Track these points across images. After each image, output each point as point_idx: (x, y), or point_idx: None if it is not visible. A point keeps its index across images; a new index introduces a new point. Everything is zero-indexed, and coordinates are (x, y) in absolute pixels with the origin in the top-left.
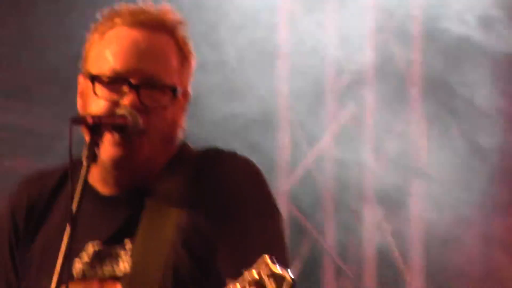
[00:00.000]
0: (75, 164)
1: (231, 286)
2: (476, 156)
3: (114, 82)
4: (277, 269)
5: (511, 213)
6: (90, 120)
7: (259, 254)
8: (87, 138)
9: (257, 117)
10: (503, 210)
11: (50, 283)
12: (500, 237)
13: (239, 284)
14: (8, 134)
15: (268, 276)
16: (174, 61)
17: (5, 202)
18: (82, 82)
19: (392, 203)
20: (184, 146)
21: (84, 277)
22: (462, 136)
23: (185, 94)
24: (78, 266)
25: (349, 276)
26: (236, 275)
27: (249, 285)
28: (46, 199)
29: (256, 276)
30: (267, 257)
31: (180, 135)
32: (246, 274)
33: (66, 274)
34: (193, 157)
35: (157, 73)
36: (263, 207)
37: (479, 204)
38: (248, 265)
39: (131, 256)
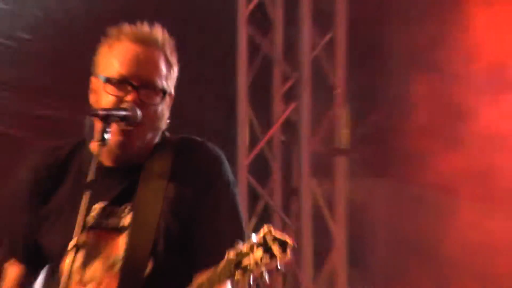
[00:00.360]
0: (83, 142)
1: (239, 247)
2: None
3: (120, 83)
4: (280, 235)
5: None
6: (102, 113)
7: (229, 214)
8: (98, 125)
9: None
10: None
11: (61, 239)
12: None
13: (246, 246)
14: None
15: (272, 240)
16: (163, 70)
17: (25, 164)
18: (94, 82)
19: (323, 173)
20: (164, 134)
21: (93, 228)
22: None
23: (170, 95)
24: (89, 220)
25: (292, 227)
26: (214, 235)
27: (256, 246)
28: (59, 168)
29: (262, 240)
30: (270, 226)
31: (165, 126)
32: (251, 239)
33: (83, 226)
34: (173, 143)
35: (152, 78)
36: (227, 180)
37: None
38: (222, 223)
39: (132, 214)
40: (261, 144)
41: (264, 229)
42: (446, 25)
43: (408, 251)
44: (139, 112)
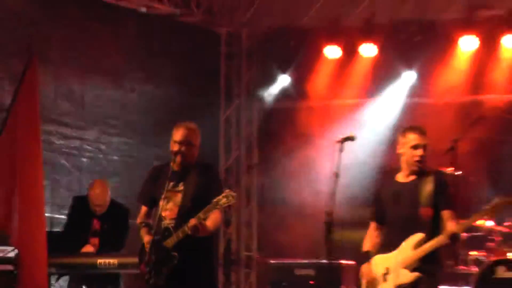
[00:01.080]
0: (168, 162)
1: (218, 198)
2: None
3: (175, 142)
4: (230, 191)
5: None
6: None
7: (216, 188)
8: (173, 155)
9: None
10: None
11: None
12: None
13: (220, 197)
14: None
15: (229, 195)
16: (196, 139)
17: (149, 169)
18: (172, 143)
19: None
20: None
21: (169, 191)
22: None
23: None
24: (168, 188)
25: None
26: (211, 195)
27: (223, 197)
28: (160, 170)
29: (226, 195)
30: (229, 190)
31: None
32: (218, 197)
33: (166, 191)
34: (199, 163)
35: (190, 139)
36: (217, 177)
37: None
38: (213, 191)
39: (183, 187)
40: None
41: (227, 191)
42: None
43: None
44: (185, 149)
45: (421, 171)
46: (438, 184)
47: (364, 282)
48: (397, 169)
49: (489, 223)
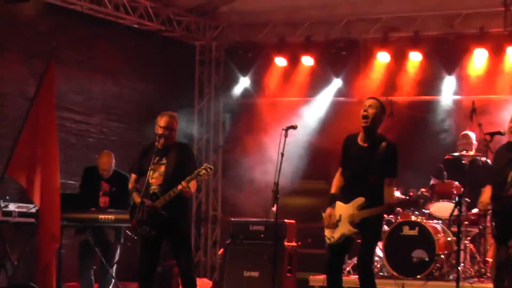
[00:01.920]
0: (153, 143)
1: (198, 169)
2: None
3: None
4: (208, 165)
5: None
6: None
7: (192, 163)
8: (158, 137)
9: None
10: None
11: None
12: None
13: (200, 169)
14: None
15: (207, 167)
16: (175, 125)
17: (139, 148)
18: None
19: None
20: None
21: (155, 164)
22: None
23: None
24: (154, 161)
25: None
26: (191, 168)
27: (203, 169)
28: (147, 149)
29: (205, 167)
30: (206, 164)
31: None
32: (199, 169)
33: (152, 163)
34: (178, 143)
35: (171, 125)
36: (192, 154)
37: None
38: (191, 166)
39: (165, 162)
40: None
41: (206, 165)
42: None
43: None
44: (167, 133)
45: (375, 138)
46: (389, 153)
47: (325, 222)
48: (357, 134)
49: (397, 193)
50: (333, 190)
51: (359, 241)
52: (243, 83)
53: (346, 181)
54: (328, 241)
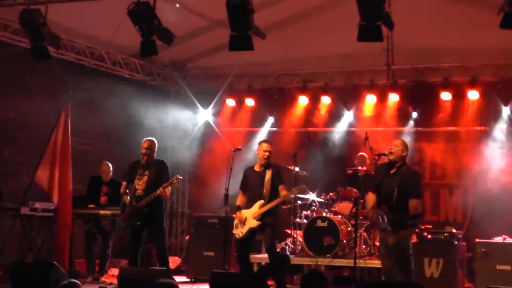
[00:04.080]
0: (138, 160)
1: (171, 180)
2: None
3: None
4: (177, 177)
5: None
6: (143, 152)
7: (166, 174)
8: (142, 155)
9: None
10: None
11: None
12: None
13: (172, 179)
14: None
15: (177, 178)
16: (154, 147)
17: (129, 163)
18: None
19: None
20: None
21: (139, 175)
22: None
23: (155, 150)
24: (139, 173)
25: None
26: (165, 178)
27: (175, 178)
28: (134, 164)
29: (175, 178)
30: (178, 176)
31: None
32: (172, 179)
33: (138, 174)
34: (156, 160)
35: (151, 147)
36: (166, 166)
37: None
38: (165, 176)
39: (148, 173)
40: None
41: (177, 176)
42: None
43: None
44: (149, 152)
45: (266, 165)
46: (275, 172)
47: (236, 222)
48: (254, 164)
49: (313, 196)
50: (237, 203)
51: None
52: (204, 117)
53: (248, 197)
54: (237, 237)
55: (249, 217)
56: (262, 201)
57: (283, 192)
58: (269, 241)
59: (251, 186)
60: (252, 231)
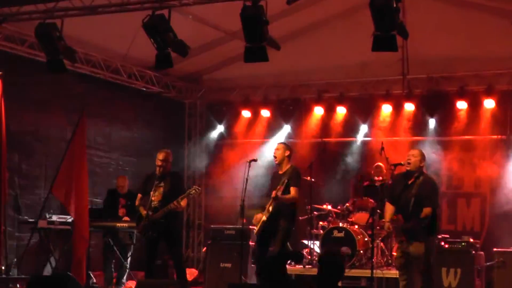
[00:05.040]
0: (154, 172)
1: (188, 190)
2: None
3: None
4: (196, 187)
5: None
6: (158, 163)
7: (181, 186)
8: (157, 167)
9: None
10: None
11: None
12: None
13: (191, 189)
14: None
15: (195, 188)
16: (170, 159)
17: (145, 176)
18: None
19: None
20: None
21: (156, 186)
22: None
23: (170, 161)
24: (154, 186)
25: None
26: (181, 190)
27: (192, 189)
28: (148, 178)
29: (194, 188)
30: (195, 186)
31: (170, 167)
32: (190, 190)
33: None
34: (172, 172)
35: (167, 158)
36: (181, 178)
37: None
38: (182, 188)
39: (163, 185)
40: None
41: (195, 187)
42: None
43: None
44: (164, 164)
45: (281, 164)
46: (292, 174)
47: (255, 221)
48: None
49: (329, 207)
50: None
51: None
52: (219, 129)
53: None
54: (255, 233)
55: (261, 220)
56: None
57: (292, 191)
58: (276, 247)
59: (273, 188)
60: (264, 230)
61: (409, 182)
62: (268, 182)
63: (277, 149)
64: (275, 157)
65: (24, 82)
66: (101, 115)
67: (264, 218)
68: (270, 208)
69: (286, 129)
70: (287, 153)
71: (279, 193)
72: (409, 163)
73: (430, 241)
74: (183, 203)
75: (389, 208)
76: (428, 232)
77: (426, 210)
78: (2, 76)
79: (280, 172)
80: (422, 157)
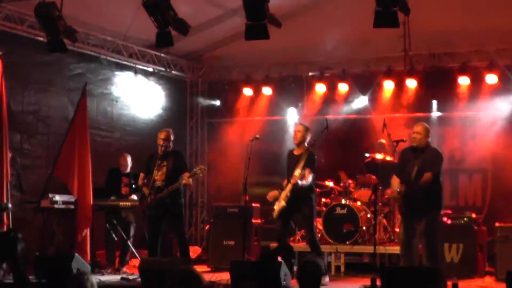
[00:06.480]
0: (156, 151)
1: (193, 170)
2: None
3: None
4: (202, 167)
5: None
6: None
7: (185, 165)
8: (159, 146)
9: None
10: None
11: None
12: None
13: (196, 169)
14: None
15: (200, 168)
16: (171, 137)
17: (148, 155)
18: (158, 139)
19: None
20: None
21: (158, 165)
22: None
23: (172, 140)
24: (157, 164)
25: None
26: (185, 168)
27: (197, 169)
28: (151, 157)
29: (199, 167)
30: (201, 166)
31: (172, 146)
32: (195, 169)
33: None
34: (174, 150)
35: (169, 137)
36: (183, 156)
37: None
38: (185, 167)
39: (166, 164)
40: None
41: (201, 166)
42: None
43: None
44: (166, 143)
45: (299, 145)
46: (308, 156)
47: (271, 198)
48: (294, 149)
49: (331, 184)
50: (284, 183)
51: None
52: (221, 107)
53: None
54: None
55: (280, 198)
56: (290, 185)
57: (306, 174)
58: (307, 232)
59: (289, 168)
60: (283, 211)
61: (415, 155)
62: (284, 161)
63: (298, 130)
64: (295, 138)
65: (25, 62)
66: (102, 94)
67: (283, 203)
68: (289, 194)
69: (292, 109)
70: (308, 135)
71: (299, 179)
72: (414, 140)
73: (433, 214)
74: (190, 180)
75: (395, 181)
76: (431, 206)
77: (426, 175)
78: (2, 56)
79: (296, 153)
80: (427, 132)
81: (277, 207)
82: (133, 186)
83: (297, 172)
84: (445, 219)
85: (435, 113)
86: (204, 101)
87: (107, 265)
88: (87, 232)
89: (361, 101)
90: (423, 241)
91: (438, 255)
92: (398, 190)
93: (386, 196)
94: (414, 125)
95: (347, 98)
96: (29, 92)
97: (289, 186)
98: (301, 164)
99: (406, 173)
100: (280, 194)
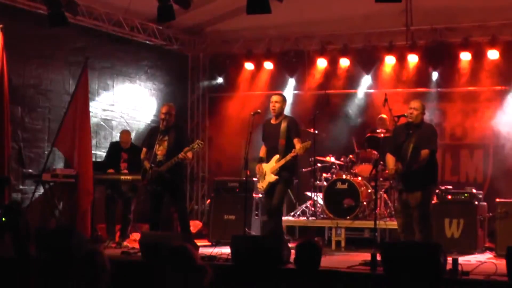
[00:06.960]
0: (158, 125)
1: (191, 144)
2: None
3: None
4: (199, 141)
5: None
6: (162, 117)
7: (186, 139)
8: (161, 120)
9: None
10: None
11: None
12: None
13: (194, 143)
14: None
15: (198, 143)
16: (173, 112)
17: (148, 129)
18: (160, 114)
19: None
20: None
21: (159, 140)
22: None
23: (174, 115)
24: (159, 139)
25: None
26: (185, 142)
27: (195, 143)
28: (152, 131)
29: (197, 142)
30: (199, 140)
31: (174, 120)
32: (193, 144)
33: (158, 141)
34: (175, 125)
35: (170, 112)
36: (183, 130)
37: None
38: (185, 141)
39: (167, 139)
40: None
41: (198, 141)
42: None
43: None
44: (167, 117)
45: (278, 115)
46: (290, 124)
47: (258, 176)
48: (271, 118)
49: (332, 159)
50: (260, 155)
51: None
52: (222, 82)
53: (266, 150)
54: (260, 190)
55: (268, 172)
56: (277, 156)
57: (297, 145)
58: (276, 200)
59: (268, 139)
60: (272, 185)
61: (410, 132)
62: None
63: (276, 101)
64: (273, 109)
65: (26, 35)
66: (104, 68)
67: (272, 179)
68: (279, 169)
69: (290, 81)
70: (285, 105)
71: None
72: (411, 116)
73: (428, 190)
74: (189, 154)
75: (390, 159)
76: (427, 181)
77: (424, 152)
78: (3, 29)
79: (273, 122)
80: (423, 108)
81: (265, 183)
82: (132, 161)
83: (298, 146)
84: (445, 194)
85: (437, 88)
86: (205, 76)
87: (107, 238)
88: (88, 206)
89: (362, 76)
90: (416, 215)
91: (430, 228)
92: (395, 168)
93: (387, 172)
94: (410, 101)
95: (348, 73)
96: (29, 66)
97: (283, 160)
98: (284, 133)
99: (402, 153)
100: (266, 168)
